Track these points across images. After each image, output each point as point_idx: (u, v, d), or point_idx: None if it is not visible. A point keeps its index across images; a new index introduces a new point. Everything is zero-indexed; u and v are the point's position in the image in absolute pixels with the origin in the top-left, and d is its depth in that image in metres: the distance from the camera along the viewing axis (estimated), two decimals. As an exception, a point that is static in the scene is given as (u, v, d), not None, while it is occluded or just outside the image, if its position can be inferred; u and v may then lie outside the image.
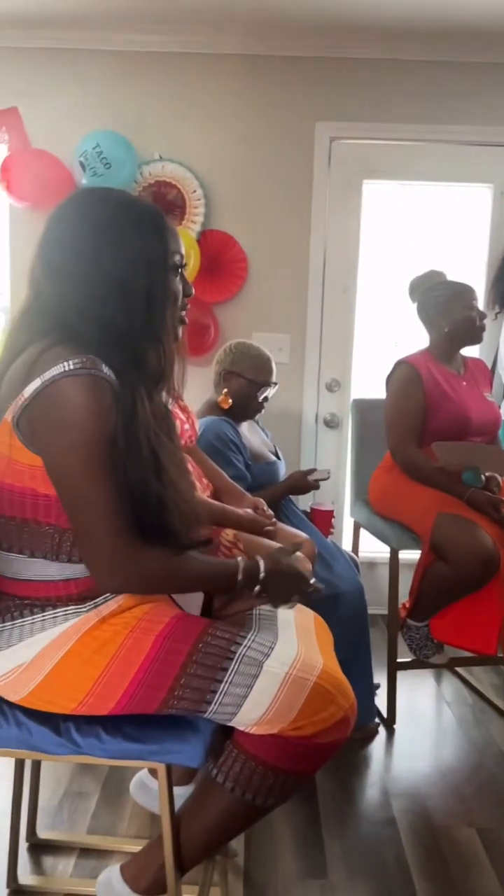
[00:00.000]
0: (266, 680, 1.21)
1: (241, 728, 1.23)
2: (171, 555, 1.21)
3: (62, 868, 1.67)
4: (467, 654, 2.41)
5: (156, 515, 1.18)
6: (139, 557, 1.17)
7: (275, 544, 1.93)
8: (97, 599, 1.25)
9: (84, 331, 1.17)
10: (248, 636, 1.27)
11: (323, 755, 1.28)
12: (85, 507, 1.15)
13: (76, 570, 1.24)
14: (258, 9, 2.66)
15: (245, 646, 1.24)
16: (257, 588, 1.30)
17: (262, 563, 1.30)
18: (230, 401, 2.33)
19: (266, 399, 2.41)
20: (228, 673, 1.21)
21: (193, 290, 1.34)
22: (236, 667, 1.22)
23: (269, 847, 1.76)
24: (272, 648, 1.26)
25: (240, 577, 1.28)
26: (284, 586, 1.34)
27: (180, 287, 1.28)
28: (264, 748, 1.24)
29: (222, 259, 2.98)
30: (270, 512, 1.94)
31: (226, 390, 2.33)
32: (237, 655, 1.23)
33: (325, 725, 1.23)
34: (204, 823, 1.32)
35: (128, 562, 1.16)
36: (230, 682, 1.21)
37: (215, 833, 1.33)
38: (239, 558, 1.31)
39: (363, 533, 2.66)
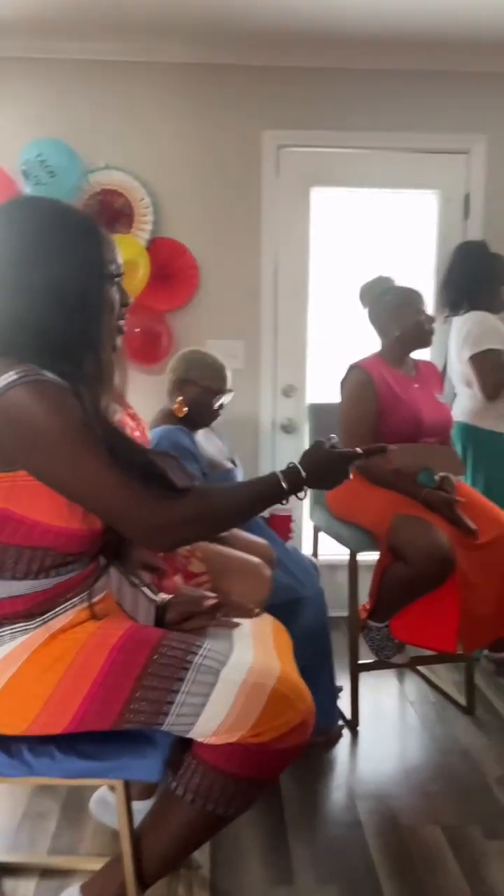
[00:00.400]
0: (223, 688, 1.20)
1: (200, 739, 1.22)
2: (200, 495, 1.23)
3: (23, 891, 1.63)
4: (428, 652, 2.44)
5: (157, 479, 1.19)
6: (170, 510, 1.18)
7: (234, 551, 1.93)
8: (46, 615, 1.23)
9: (20, 341, 1.17)
10: (204, 645, 1.26)
11: (283, 760, 1.28)
12: (96, 496, 1.15)
13: (21, 587, 1.21)
14: (203, 18, 2.67)
15: (201, 655, 1.23)
16: (306, 489, 1.32)
17: (299, 466, 1.32)
18: (185, 409, 2.32)
19: (222, 406, 2.40)
20: (185, 683, 1.20)
21: (131, 300, 1.34)
22: (193, 676, 1.21)
23: (235, 856, 1.74)
24: (228, 656, 1.25)
25: (285, 485, 1.30)
26: (332, 473, 1.36)
27: (117, 296, 1.28)
28: (224, 757, 1.23)
29: (173, 267, 2.97)
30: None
31: (180, 398, 2.32)
32: (193, 665, 1.22)
33: (283, 730, 1.22)
34: (165, 837, 1.31)
35: (164, 520, 1.18)
36: (187, 692, 1.20)
37: (177, 846, 1.32)
38: (278, 470, 1.32)
39: (322, 536, 2.67)
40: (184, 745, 1.27)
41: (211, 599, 1.36)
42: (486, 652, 2.37)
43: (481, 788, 2.02)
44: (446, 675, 2.66)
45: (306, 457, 1.34)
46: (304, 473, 1.31)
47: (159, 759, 1.21)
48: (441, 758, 2.19)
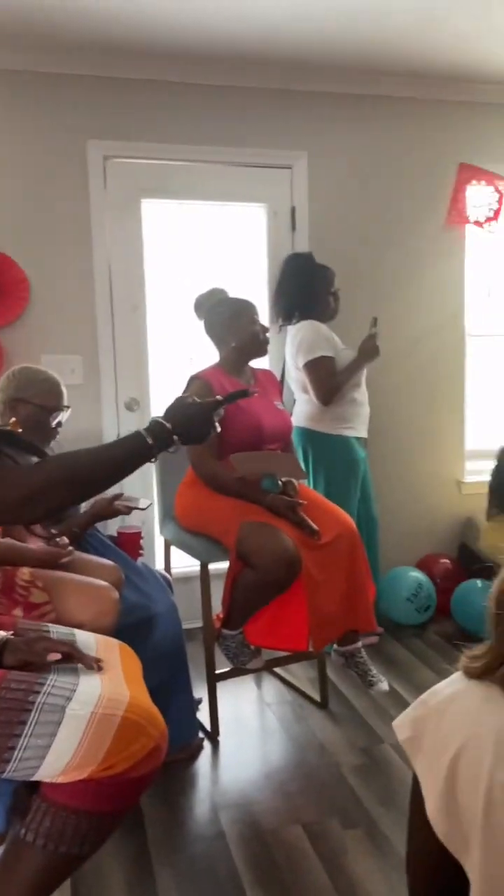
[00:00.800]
0: (70, 725, 1.16)
1: (47, 780, 1.17)
2: (63, 459, 1.24)
3: None
4: (283, 653, 2.50)
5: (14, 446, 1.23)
6: (35, 477, 1.19)
7: (78, 576, 1.87)
8: None
9: None
10: (48, 681, 1.20)
11: (138, 789, 1.25)
12: None
13: None
14: (27, 25, 2.57)
15: (44, 693, 1.18)
16: (177, 438, 1.31)
17: (163, 421, 1.32)
18: (20, 430, 2.21)
19: (60, 424, 2.32)
20: (28, 725, 1.14)
21: None
22: (36, 717, 1.15)
23: (98, 891, 1.68)
24: (74, 690, 1.20)
25: (150, 440, 1.28)
26: (197, 423, 1.36)
27: None
28: (75, 795, 1.19)
29: (2, 281, 2.84)
30: (65, 541, 1.86)
31: (13, 420, 2.21)
32: (36, 705, 1.16)
33: (136, 759, 1.20)
34: (18, 888, 1.24)
35: (31, 488, 1.18)
36: (30, 735, 1.14)
37: (32, 895, 1.25)
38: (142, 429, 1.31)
39: (174, 549, 2.66)
40: (30, 785, 1.20)
41: (55, 654, 1.29)
42: (335, 646, 2.47)
43: (337, 780, 2.10)
44: (301, 674, 2.75)
45: (168, 410, 1.36)
46: (168, 424, 1.31)
47: (0, 808, 1.14)
48: (299, 756, 2.26)
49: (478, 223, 3.38)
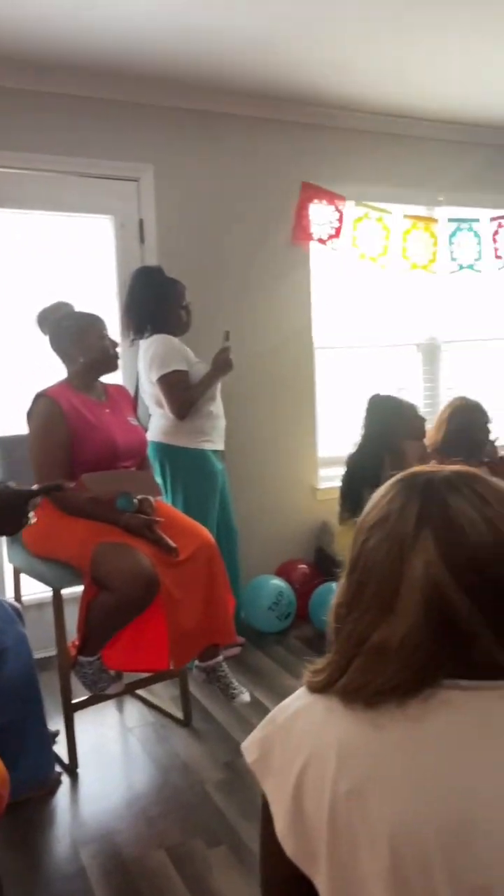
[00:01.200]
0: None
1: None
2: None
3: None
4: (144, 674, 2.45)
5: None
6: None
7: None
8: None
9: None
10: None
11: (-21, 843, 1.17)
12: None
13: None
14: None
15: None
16: None
17: None
18: None
19: None
20: None
21: None
22: None
23: None
24: None
25: None
26: (6, 513, 1.29)
27: None
28: None
29: None
30: None
31: None
32: None
33: (-25, 811, 1.12)
34: None
35: None
36: None
37: None
38: None
39: (24, 576, 2.53)
40: None
41: None
42: (196, 662, 2.46)
43: (201, 798, 2.09)
44: (164, 693, 2.71)
45: None
46: None
47: None
48: (162, 778, 2.22)
49: (321, 240, 3.52)
